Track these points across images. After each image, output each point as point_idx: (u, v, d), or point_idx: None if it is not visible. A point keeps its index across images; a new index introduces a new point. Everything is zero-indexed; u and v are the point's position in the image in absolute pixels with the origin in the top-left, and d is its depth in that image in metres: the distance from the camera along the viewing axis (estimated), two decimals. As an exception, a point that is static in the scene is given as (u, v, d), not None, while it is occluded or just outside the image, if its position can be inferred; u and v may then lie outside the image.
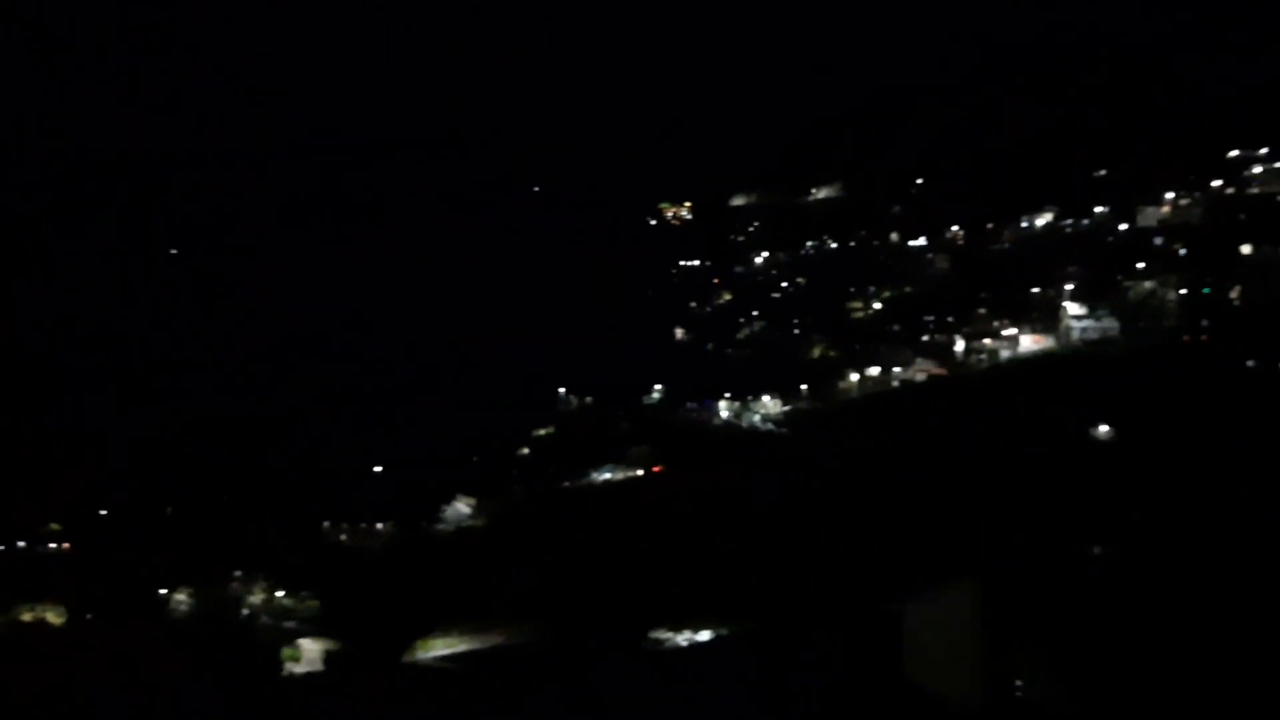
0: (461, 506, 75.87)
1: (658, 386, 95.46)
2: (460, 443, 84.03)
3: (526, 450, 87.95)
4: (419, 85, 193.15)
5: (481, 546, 68.39)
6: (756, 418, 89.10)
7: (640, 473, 77.92)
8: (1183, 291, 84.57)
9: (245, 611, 67.47)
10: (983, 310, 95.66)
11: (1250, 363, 65.84)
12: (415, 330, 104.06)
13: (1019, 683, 7.26)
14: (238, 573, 69.62)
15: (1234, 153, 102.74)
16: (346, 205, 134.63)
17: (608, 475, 78.52)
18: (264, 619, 66.17)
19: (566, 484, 78.62)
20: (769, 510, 53.54)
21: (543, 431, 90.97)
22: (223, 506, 78.16)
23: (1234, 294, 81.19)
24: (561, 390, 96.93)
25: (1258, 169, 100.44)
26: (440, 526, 75.10)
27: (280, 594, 67.55)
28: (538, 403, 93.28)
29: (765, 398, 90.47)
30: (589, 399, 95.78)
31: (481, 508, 75.73)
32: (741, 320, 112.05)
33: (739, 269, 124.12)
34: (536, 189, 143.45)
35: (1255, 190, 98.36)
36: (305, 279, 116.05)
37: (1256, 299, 78.11)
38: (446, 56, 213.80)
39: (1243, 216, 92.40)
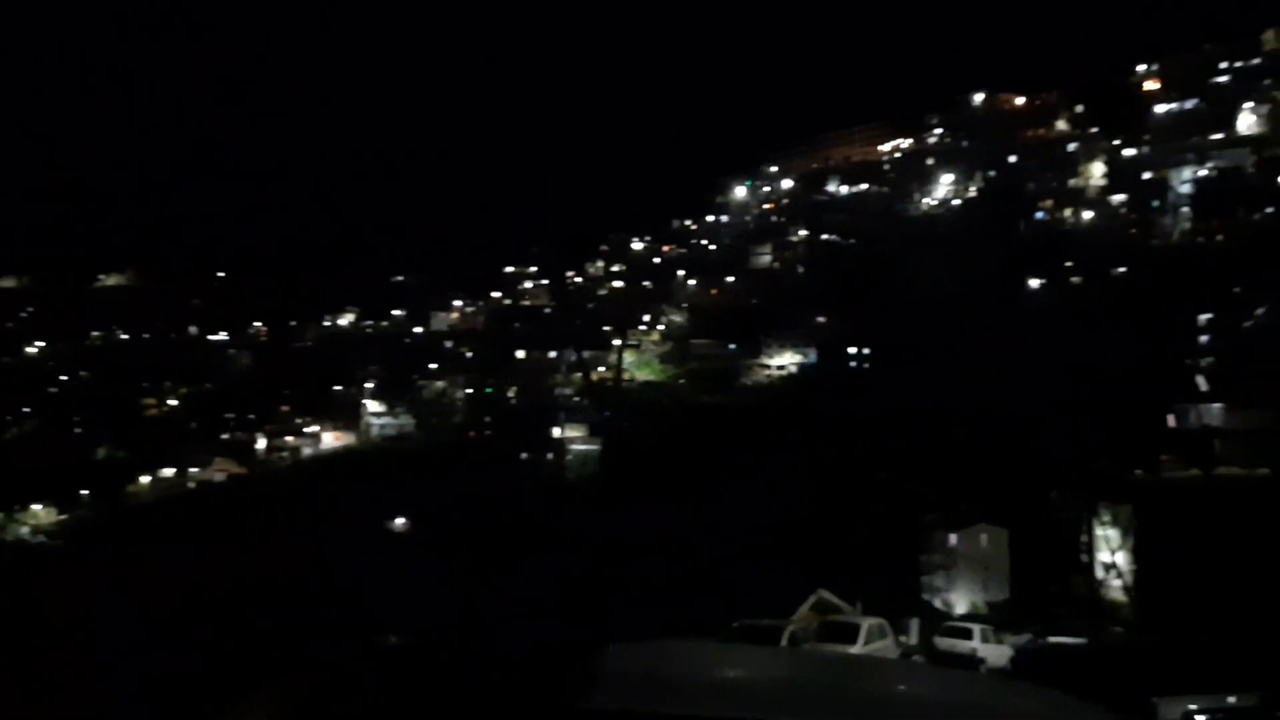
0: None
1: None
2: None
3: None
4: None
5: None
6: (25, 530, 78.54)
7: None
8: (469, 391, 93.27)
9: None
10: (286, 408, 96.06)
11: (524, 455, 74.47)
12: None
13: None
14: None
15: (509, 269, 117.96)
16: None
17: None
18: None
19: None
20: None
21: None
22: None
23: (511, 393, 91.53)
24: None
25: (529, 284, 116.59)
26: None
27: None
28: None
29: (36, 506, 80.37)
30: None
31: None
32: (9, 418, 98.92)
33: (6, 359, 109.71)
34: None
35: (527, 302, 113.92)
36: None
37: (527, 398, 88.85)
38: None
39: (517, 325, 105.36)
